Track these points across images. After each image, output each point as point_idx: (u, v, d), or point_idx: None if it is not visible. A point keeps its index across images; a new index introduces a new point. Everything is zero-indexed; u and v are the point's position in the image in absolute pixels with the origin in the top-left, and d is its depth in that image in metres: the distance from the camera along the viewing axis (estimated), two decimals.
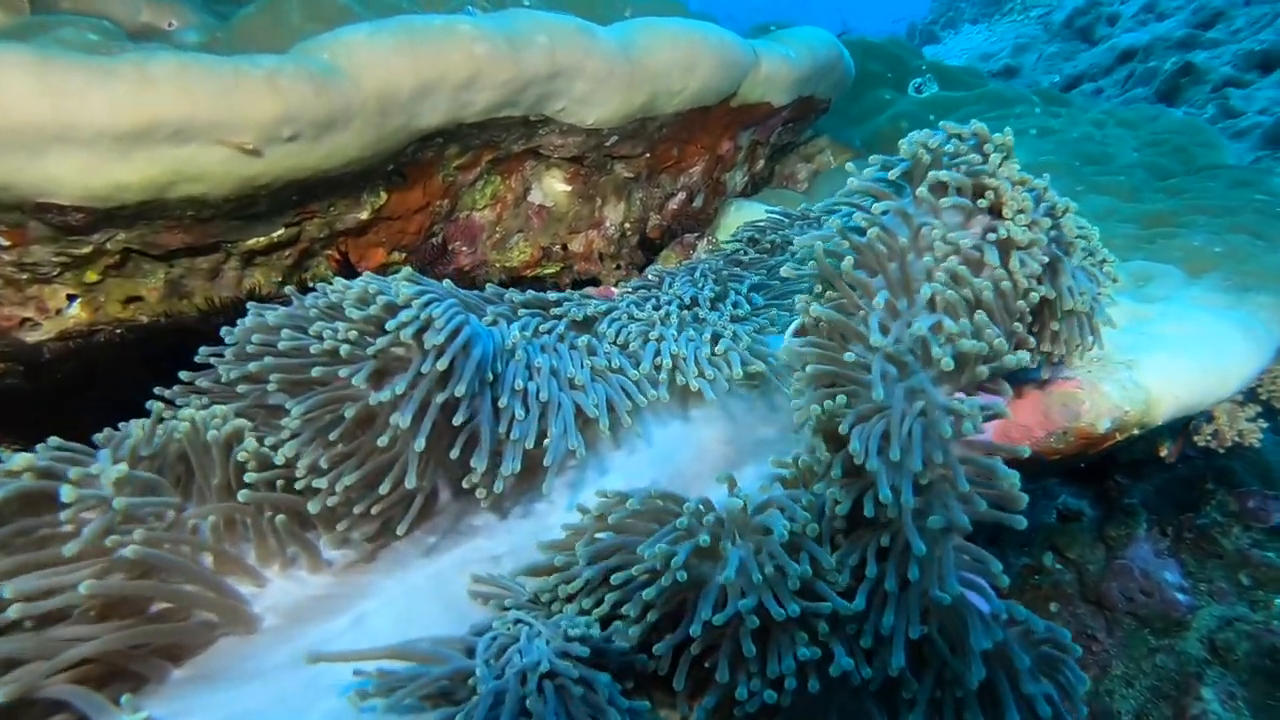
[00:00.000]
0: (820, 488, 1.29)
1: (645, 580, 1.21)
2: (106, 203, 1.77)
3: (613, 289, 2.85)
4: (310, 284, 2.30)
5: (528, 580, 1.31)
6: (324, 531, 1.30)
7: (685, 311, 1.89)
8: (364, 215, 2.23)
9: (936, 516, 1.20)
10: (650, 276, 2.46)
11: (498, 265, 2.75)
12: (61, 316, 2.04)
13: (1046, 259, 1.48)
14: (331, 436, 1.31)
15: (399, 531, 1.32)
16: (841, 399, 1.29)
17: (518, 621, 1.19)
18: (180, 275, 2.09)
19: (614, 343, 1.67)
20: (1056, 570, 3.86)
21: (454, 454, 1.29)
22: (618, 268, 3.00)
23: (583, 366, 1.56)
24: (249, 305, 1.59)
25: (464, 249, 2.62)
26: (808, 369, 1.37)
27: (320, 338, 1.37)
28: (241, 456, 1.31)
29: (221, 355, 1.56)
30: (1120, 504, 3.85)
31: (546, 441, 1.37)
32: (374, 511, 1.30)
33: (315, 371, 1.34)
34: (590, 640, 1.16)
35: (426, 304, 1.36)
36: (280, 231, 2.12)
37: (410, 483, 1.27)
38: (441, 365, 1.28)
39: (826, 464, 1.30)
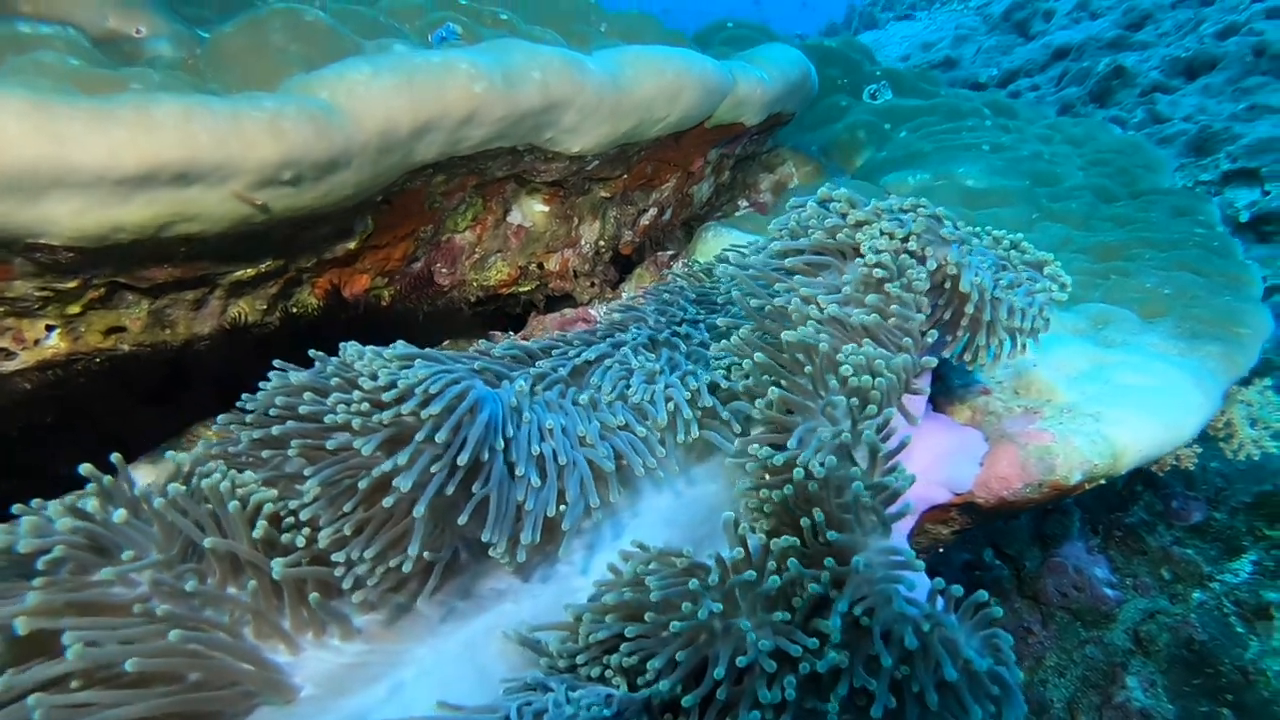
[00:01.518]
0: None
1: (668, 639, 1.27)
2: (100, 243, 1.74)
3: (590, 310, 2.89)
4: (294, 311, 2.28)
5: (554, 641, 1.36)
6: (351, 598, 1.33)
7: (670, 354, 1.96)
8: (352, 245, 2.22)
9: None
10: (629, 302, 2.49)
11: (475, 284, 2.76)
12: (39, 347, 1.99)
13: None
14: (346, 507, 1.33)
15: (424, 599, 1.36)
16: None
17: (548, 689, 1.25)
18: (164, 306, 2.06)
19: (613, 395, 1.71)
20: (996, 566, 4.08)
21: (462, 520, 1.33)
22: (591, 285, 3.04)
23: (590, 422, 1.60)
24: (274, 366, 1.59)
25: (444, 270, 2.62)
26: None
27: (335, 410, 1.38)
28: (260, 532, 1.32)
29: (243, 415, 1.56)
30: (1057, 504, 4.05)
31: (563, 506, 1.42)
32: (396, 580, 1.33)
33: (330, 444, 1.36)
34: (614, 700, 1.23)
35: (428, 379, 1.37)
36: (268, 263, 2.10)
37: (413, 551, 1.30)
38: (442, 437, 1.31)
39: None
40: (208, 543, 1.26)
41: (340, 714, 1.26)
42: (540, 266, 2.89)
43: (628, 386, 1.74)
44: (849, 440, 1.38)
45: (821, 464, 1.33)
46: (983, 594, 1.30)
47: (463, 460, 1.28)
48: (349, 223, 2.16)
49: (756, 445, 1.49)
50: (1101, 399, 1.88)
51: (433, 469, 1.29)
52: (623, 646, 1.26)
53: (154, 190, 1.68)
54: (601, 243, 3.03)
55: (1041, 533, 4.00)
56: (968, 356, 1.65)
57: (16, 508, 1.27)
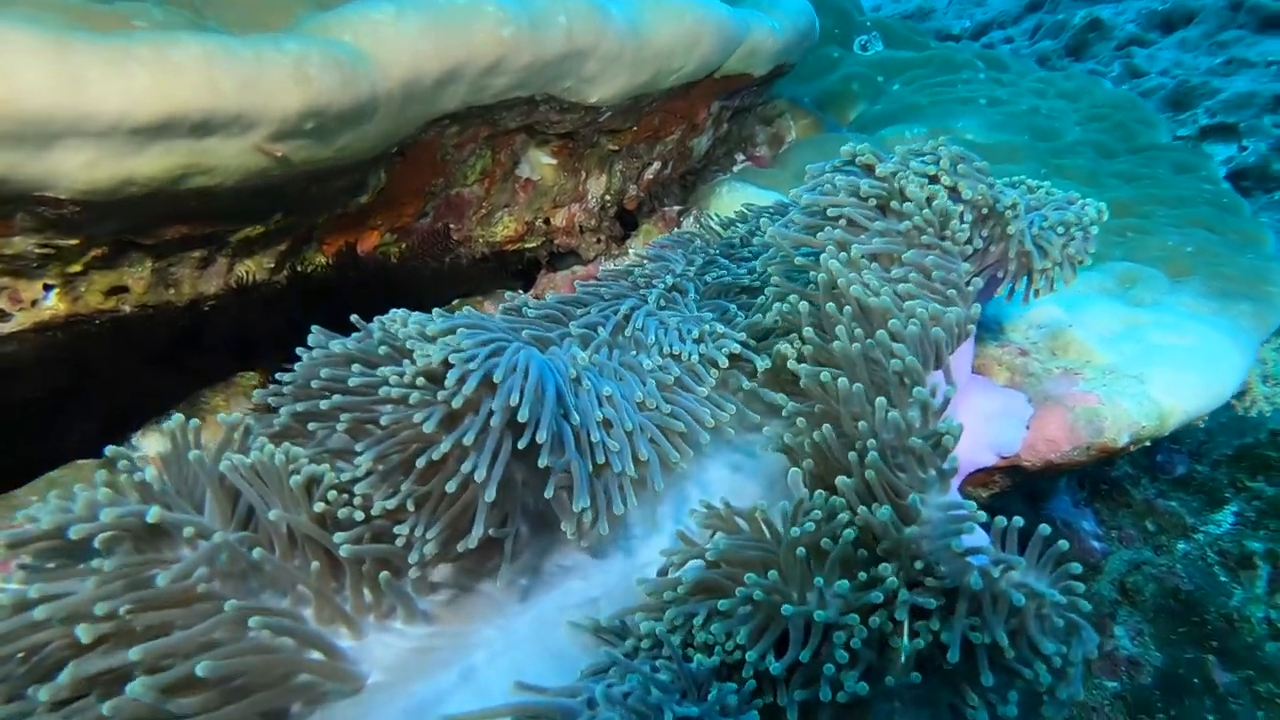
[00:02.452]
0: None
1: (747, 613, 1.24)
2: (110, 196, 1.61)
3: (598, 267, 2.81)
4: (303, 270, 2.17)
5: (628, 617, 1.32)
6: (409, 576, 1.26)
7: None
8: (365, 199, 2.10)
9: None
10: (659, 252, 2.40)
11: (482, 240, 2.66)
12: (37, 308, 1.86)
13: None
14: (404, 486, 1.26)
15: (487, 579, 1.30)
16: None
17: (629, 670, 1.21)
18: (169, 265, 1.93)
19: (665, 354, 1.65)
20: None
21: (549, 494, 1.27)
22: (598, 241, 2.95)
23: (646, 384, 1.54)
24: (314, 332, 1.49)
25: (453, 226, 2.52)
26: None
27: (388, 382, 1.30)
28: (320, 507, 1.25)
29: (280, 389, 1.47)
30: None
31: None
32: (459, 560, 1.27)
33: (385, 418, 1.27)
34: (699, 676, 1.20)
35: (490, 354, 1.29)
36: (278, 219, 1.98)
37: (478, 531, 1.24)
38: (524, 414, 1.24)
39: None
40: (272, 515, 1.19)
41: (412, 701, 1.20)
42: (547, 222, 2.80)
43: (675, 344, 1.68)
44: (901, 398, 1.34)
45: (881, 425, 1.30)
46: (1045, 528, 1.29)
47: (541, 438, 1.21)
48: (364, 176, 2.04)
49: (809, 405, 1.45)
50: (1142, 360, 1.87)
51: (507, 444, 1.22)
52: (702, 623, 1.22)
53: (171, 140, 1.56)
54: (607, 197, 2.94)
55: (1030, 488, 4.06)
56: (1021, 290, 1.63)
57: (76, 486, 1.18)
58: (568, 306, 1.86)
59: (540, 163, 2.64)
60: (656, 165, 3.12)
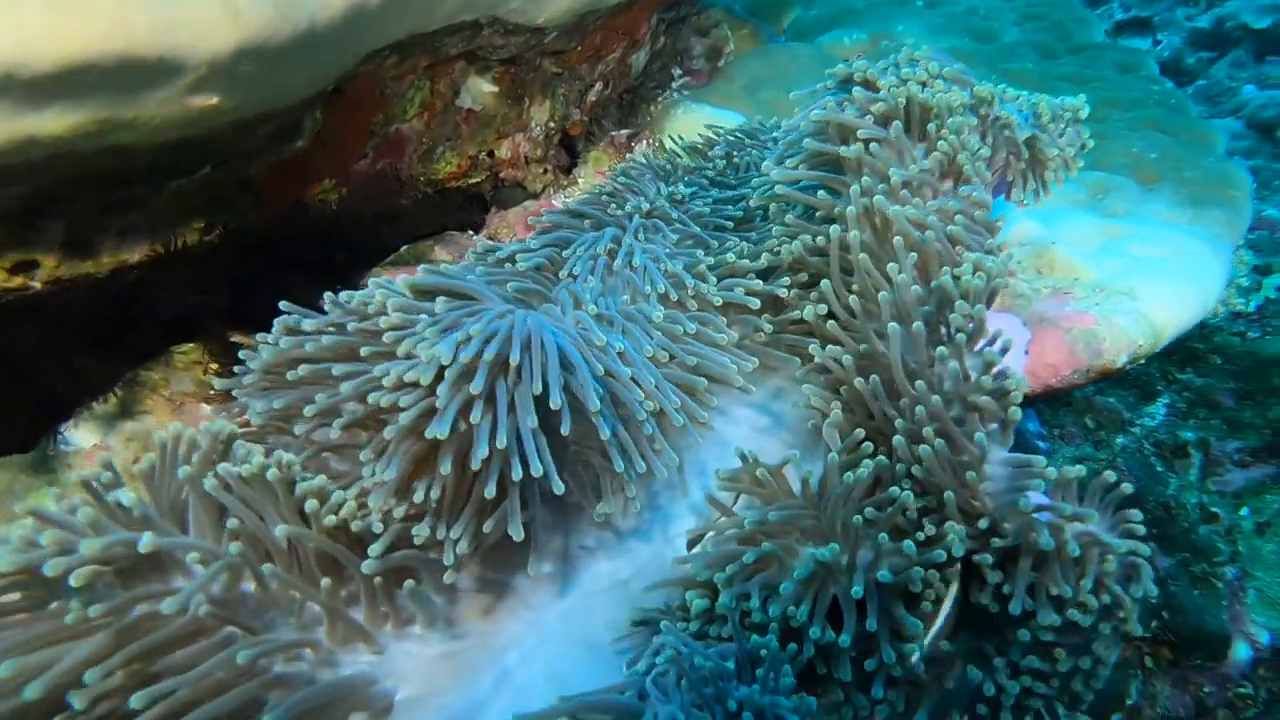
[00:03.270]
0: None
1: (804, 590, 1.17)
2: (6, 160, 1.38)
3: (553, 202, 2.64)
4: (236, 227, 1.95)
5: (662, 596, 1.24)
6: (447, 582, 1.14)
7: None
8: (301, 144, 1.88)
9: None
10: (616, 188, 2.23)
11: (423, 179, 2.45)
12: None
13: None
14: (430, 494, 1.12)
15: (506, 569, 1.20)
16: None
17: (676, 653, 1.13)
18: (84, 233, 1.70)
19: (672, 300, 1.54)
20: None
21: (576, 476, 1.16)
22: (545, 172, 2.77)
23: (649, 336, 1.43)
24: (282, 310, 1.32)
25: (392, 165, 2.30)
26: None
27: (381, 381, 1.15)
28: (333, 518, 1.11)
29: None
30: None
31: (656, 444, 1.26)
32: (478, 555, 1.16)
33: (389, 432, 1.12)
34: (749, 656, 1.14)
35: (493, 335, 1.15)
36: (204, 172, 1.75)
37: (517, 535, 1.13)
38: (555, 402, 1.12)
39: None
40: (279, 531, 1.04)
41: (449, 714, 1.10)
42: (490, 155, 2.60)
43: (689, 281, 1.56)
44: (960, 348, 1.27)
45: (942, 376, 1.23)
46: (1111, 475, 1.28)
47: (565, 430, 1.10)
48: (300, 119, 1.82)
49: (841, 352, 1.37)
50: (1129, 274, 1.85)
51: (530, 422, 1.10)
52: (760, 604, 1.14)
53: (78, 94, 1.33)
54: (551, 124, 2.75)
55: None
56: (1029, 192, 1.58)
57: (28, 508, 1.00)
58: (550, 250, 1.70)
59: (482, 91, 2.43)
60: (599, 86, 2.93)
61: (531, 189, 2.80)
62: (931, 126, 1.44)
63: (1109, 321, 1.75)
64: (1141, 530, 1.23)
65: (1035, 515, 1.16)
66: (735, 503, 1.34)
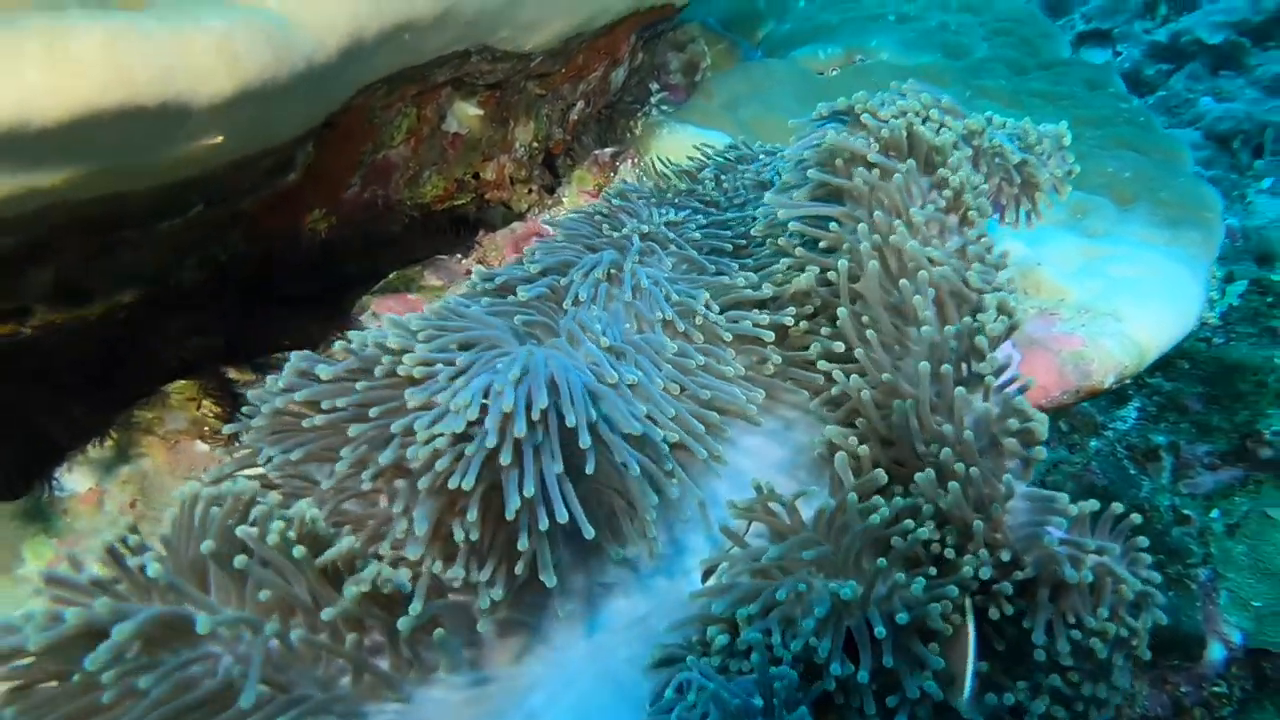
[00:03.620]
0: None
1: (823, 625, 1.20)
2: (3, 213, 1.36)
3: (538, 222, 2.64)
4: (228, 260, 1.93)
5: (681, 630, 1.25)
6: (483, 631, 1.15)
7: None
8: (294, 177, 1.87)
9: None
10: (611, 210, 2.24)
11: (409, 203, 2.44)
12: None
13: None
14: (468, 533, 1.13)
15: (526, 610, 1.20)
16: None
17: (700, 689, 1.15)
18: (76, 275, 1.67)
19: (678, 330, 1.55)
20: None
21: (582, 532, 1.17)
22: (530, 191, 2.78)
23: (662, 369, 1.44)
24: (293, 361, 1.31)
25: (379, 192, 2.29)
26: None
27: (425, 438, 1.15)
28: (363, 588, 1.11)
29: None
30: None
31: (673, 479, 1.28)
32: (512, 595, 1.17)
33: (423, 484, 1.13)
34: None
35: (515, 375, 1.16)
36: (198, 210, 1.74)
37: (549, 581, 1.15)
38: (586, 442, 1.13)
39: None
40: (325, 615, 1.04)
41: None
42: (476, 177, 2.60)
43: (699, 311, 1.58)
44: (982, 386, 1.31)
45: (966, 416, 1.26)
46: (1118, 506, 1.33)
47: (590, 470, 1.11)
48: (292, 154, 1.81)
49: (861, 383, 1.40)
50: (1113, 296, 1.90)
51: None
52: (781, 640, 1.17)
53: (79, 146, 1.31)
54: (535, 144, 2.75)
55: None
56: (1021, 216, 1.63)
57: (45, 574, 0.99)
58: (551, 278, 1.70)
59: (467, 115, 2.42)
60: (580, 105, 2.94)
61: (517, 209, 2.80)
62: (938, 162, 1.48)
63: (1096, 343, 1.79)
64: (1149, 559, 1.28)
65: (1057, 549, 1.20)
66: (747, 532, 1.37)
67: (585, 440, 1.12)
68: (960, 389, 1.28)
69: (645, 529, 1.21)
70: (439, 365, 1.19)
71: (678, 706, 1.12)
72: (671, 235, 1.91)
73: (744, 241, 1.87)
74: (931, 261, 1.37)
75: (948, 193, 1.44)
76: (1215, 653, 3.14)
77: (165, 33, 1.31)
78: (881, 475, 1.32)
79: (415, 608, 1.09)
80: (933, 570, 1.24)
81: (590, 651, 1.25)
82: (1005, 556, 1.21)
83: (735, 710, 1.11)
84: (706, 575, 1.32)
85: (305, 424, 1.23)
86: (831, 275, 1.47)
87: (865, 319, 1.42)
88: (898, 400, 1.34)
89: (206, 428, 1.88)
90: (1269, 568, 3.65)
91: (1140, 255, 2.03)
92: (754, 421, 1.48)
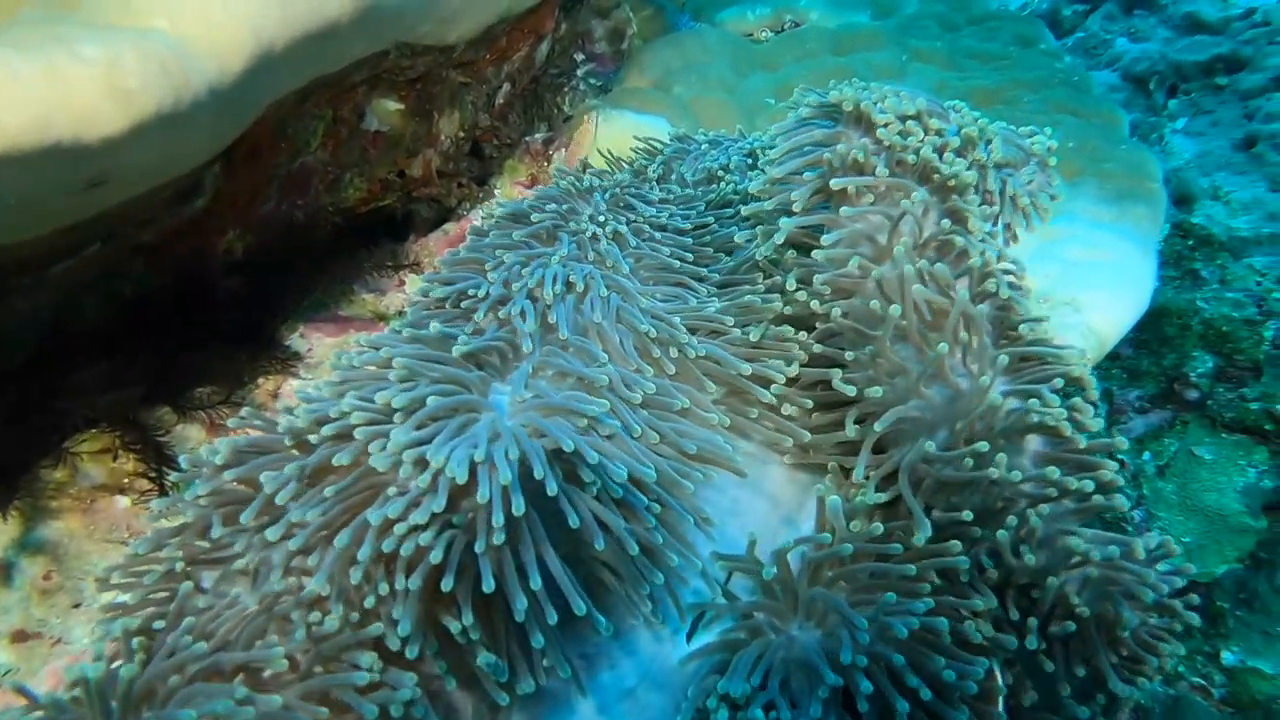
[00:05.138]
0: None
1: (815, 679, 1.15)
2: None
3: (472, 219, 2.51)
4: (133, 296, 1.76)
5: (671, 702, 1.18)
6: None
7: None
8: (202, 203, 1.70)
9: None
10: (546, 212, 2.09)
11: (331, 209, 2.27)
12: None
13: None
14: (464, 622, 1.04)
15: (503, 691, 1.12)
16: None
17: None
18: None
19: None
20: None
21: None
22: (459, 185, 2.62)
23: (635, 413, 1.35)
24: (244, 423, 1.17)
25: (298, 202, 2.12)
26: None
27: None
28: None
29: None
30: None
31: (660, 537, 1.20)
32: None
33: (411, 584, 1.03)
34: None
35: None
36: (94, 249, 1.56)
37: (565, 673, 1.08)
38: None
39: None
40: None
41: None
42: (401, 174, 2.43)
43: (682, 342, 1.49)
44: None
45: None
46: (1156, 535, 1.35)
47: (599, 546, 1.02)
48: (199, 179, 1.64)
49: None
50: (1069, 283, 1.88)
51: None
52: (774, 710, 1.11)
53: None
54: (461, 134, 2.59)
55: None
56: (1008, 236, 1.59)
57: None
58: (501, 289, 1.56)
59: (388, 111, 2.25)
60: (506, 87, 2.77)
61: (447, 204, 2.65)
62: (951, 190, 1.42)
63: (1059, 338, 1.77)
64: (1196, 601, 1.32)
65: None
66: (729, 581, 1.30)
67: (574, 522, 1.04)
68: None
69: (639, 605, 1.13)
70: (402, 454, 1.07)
71: None
72: (629, 233, 1.80)
73: (707, 249, 1.77)
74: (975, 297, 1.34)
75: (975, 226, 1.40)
76: None
77: (37, 67, 1.14)
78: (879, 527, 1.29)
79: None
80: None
81: None
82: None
83: None
84: (692, 633, 1.26)
85: (244, 519, 1.11)
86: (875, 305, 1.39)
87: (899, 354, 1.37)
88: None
89: (126, 480, 1.72)
90: (1196, 504, 3.79)
91: (1092, 236, 2.01)
92: (739, 473, 1.40)
